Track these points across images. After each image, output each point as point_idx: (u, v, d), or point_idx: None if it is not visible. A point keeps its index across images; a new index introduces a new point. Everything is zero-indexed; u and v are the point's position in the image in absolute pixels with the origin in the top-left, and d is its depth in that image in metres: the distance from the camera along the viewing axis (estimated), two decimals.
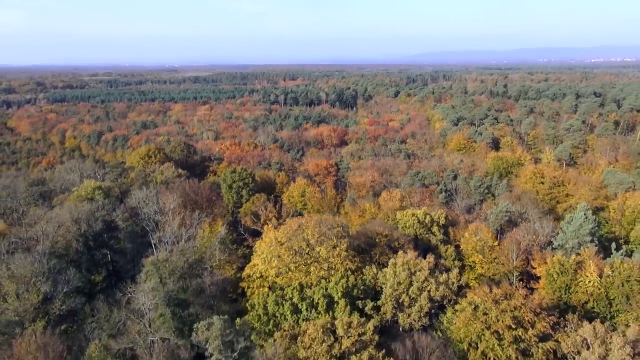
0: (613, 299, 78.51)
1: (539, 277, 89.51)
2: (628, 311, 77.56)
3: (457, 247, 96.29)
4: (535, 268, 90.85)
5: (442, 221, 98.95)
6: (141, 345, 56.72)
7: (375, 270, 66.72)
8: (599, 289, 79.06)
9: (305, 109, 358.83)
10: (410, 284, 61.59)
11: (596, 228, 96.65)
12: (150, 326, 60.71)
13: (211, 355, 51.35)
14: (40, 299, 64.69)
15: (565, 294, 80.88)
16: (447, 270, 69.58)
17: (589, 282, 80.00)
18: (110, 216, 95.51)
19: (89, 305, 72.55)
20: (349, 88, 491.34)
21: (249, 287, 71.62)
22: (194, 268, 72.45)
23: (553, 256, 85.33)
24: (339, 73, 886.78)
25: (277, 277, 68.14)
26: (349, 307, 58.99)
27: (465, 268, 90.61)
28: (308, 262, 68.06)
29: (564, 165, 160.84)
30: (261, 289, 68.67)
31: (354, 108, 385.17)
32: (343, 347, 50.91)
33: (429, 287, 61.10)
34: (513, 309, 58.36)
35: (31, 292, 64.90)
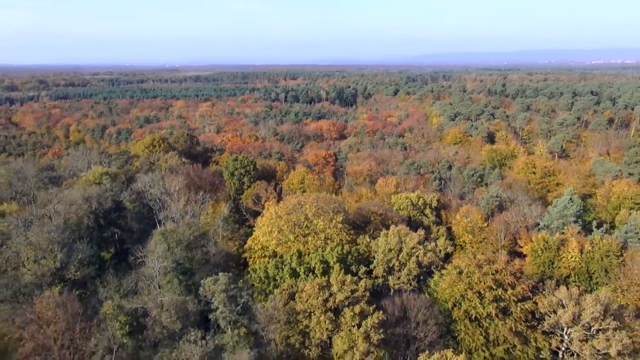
0: (593, 273, 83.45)
1: (525, 256, 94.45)
2: (607, 283, 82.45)
3: (449, 229, 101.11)
4: (522, 247, 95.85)
5: (434, 204, 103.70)
6: (152, 303, 61.48)
7: (368, 240, 71.67)
8: (580, 263, 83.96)
9: (306, 106, 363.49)
10: (400, 250, 66.45)
11: (581, 210, 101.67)
12: (159, 288, 65.57)
13: (217, 308, 56.14)
14: (56, 265, 69.56)
15: (548, 268, 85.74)
16: (435, 239, 74.46)
17: (571, 257, 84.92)
18: (118, 197, 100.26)
19: (99, 278, 77.50)
20: (349, 87, 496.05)
21: (250, 257, 76.39)
22: (198, 240, 77.20)
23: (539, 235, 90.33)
24: (340, 73, 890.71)
25: (277, 247, 72.95)
26: (343, 271, 63.77)
27: (456, 248, 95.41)
28: (306, 232, 72.89)
29: (556, 157, 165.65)
30: (262, 259, 73.45)
31: (354, 105, 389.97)
32: (337, 300, 55.73)
33: (418, 253, 65.97)
34: (494, 272, 63.20)
35: (48, 258, 69.80)
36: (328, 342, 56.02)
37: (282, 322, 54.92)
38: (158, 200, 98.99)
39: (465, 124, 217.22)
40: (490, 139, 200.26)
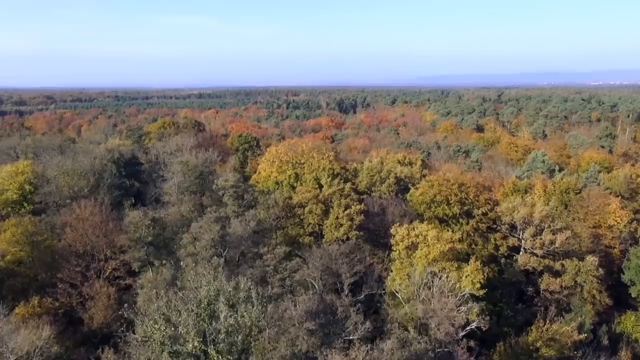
0: (556, 207, 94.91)
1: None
2: (567, 216, 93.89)
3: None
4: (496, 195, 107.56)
5: (419, 163, 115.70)
6: (172, 209, 73.16)
7: (355, 165, 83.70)
8: (544, 200, 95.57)
9: (306, 112, 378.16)
10: (382, 169, 78.34)
11: (550, 164, 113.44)
12: (177, 201, 77.41)
13: (226, 205, 67.79)
14: (89, 186, 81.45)
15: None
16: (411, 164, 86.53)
17: (537, 196, 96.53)
18: (136, 155, 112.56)
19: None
20: (349, 98, 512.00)
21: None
22: (208, 174, 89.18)
23: None
24: (341, 90, 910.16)
25: (278, 175, 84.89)
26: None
27: None
28: (302, 162, 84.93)
29: (538, 140, 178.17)
30: (264, 183, 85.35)
31: (354, 112, 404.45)
32: (326, 194, 67.53)
33: (396, 169, 77.90)
34: (461, 184, 74.97)
35: (82, 181, 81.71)
36: (319, 232, 67.62)
37: (280, 209, 66.47)
38: (170, 156, 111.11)
39: (457, 118, 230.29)
40: (479, 130, 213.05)
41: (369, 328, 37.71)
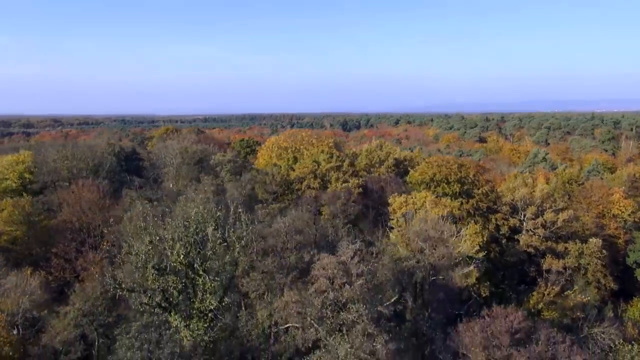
0: (559, 198, 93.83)
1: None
2: (570, 206, 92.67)
3: None
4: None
5: (418, 148, 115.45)
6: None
7: (354, 149, 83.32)
8: (546, 191, 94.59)
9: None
10: (381, 150, 77.91)
11: (551, 162, 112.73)
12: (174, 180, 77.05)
13: (222, 180, 67.41)
14: (88, 170, 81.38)
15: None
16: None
17: (540, 188, 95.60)
18: (137, 150, 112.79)
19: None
20: (353, 120, 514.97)
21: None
22: (205, 163, 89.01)
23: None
24: (345, 115, 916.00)
25: (278, 160, 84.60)
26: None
27: None
28: (301, 147, 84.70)
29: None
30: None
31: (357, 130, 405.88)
32: (324, 169, 66.99)
33: (395, 152, 77.44)
34: (460, 165, 74.31)
35: (81, 163, 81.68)
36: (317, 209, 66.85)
37: (277, 185, 65.92)
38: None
39: (459, 131, 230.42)
40: (482, 141, 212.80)
41: (360, 247, 36.70)
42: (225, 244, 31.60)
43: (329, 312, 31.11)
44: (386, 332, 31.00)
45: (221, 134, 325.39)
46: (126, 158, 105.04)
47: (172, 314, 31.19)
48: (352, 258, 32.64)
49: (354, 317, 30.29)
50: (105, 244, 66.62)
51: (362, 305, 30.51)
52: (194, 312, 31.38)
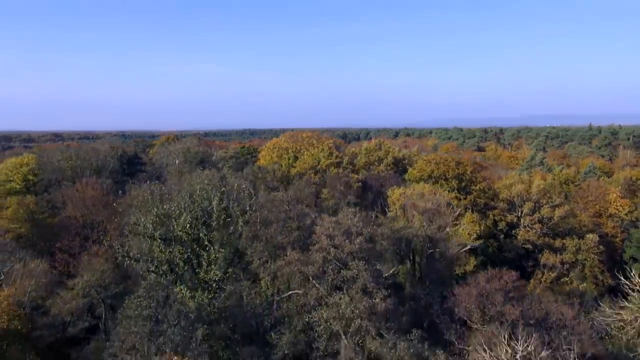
0: (555, 194, 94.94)
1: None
2: (566, 204, 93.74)
3: None
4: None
5: (416, 147, 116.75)
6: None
7: (354, 149, 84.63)
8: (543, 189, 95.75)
9: None
10: (380, 149, 79.28)
11: (548, 165, 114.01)
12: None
13: (225, 175, 68.52)
14: (93, 166, 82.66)
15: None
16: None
17: (536, 184, 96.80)
18: (139, 155, 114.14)
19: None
20: (352, 133, 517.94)
21: None
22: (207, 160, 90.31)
23: None
24: (346, 129, 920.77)
25: (279, 159, 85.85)
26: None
27: None
28: (302, 148, 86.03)
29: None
30: None
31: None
32: (324, 165, 68.24)
33: (394, 151, 78.79)
34: (458, 162, 75.60)
35: (84, 163, 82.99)
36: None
37: (278, 181, 67.11)
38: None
39: (458, 141, 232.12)
40: (480, 150, 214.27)
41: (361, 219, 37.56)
42: (229, 219, 32.67)
43: (330, 270, 32.20)
44: (385, 288, 32.01)
45: (222, 144, 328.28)
46: (128, 161, 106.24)
47: (177, 284, 32.18)
48: (351, 220, 33.79)
49: (354, 273, 31.39)
50: (108, 238, 67.71)
51: (362, 262, 31.65)
52: (199, 283, 32.39)
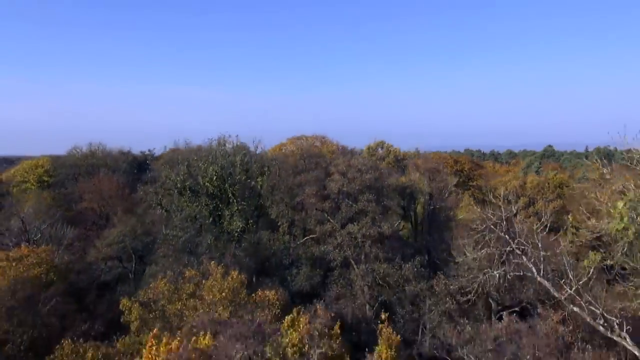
0: (549, 191, 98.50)
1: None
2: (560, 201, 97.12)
3: None
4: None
5: (416, 156, 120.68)
6: None
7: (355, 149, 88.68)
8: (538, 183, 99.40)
9: None
10: (382, 147, 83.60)
11: (544, 173, 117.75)
12: None
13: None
14: (108, 165, 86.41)
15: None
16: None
17: (530, 180, 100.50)
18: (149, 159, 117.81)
19: None
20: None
21: None
22: None
23: None
24: None
25: None
26: None
27: None
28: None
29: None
30: None
31: None
32: None
33: (395, 150, 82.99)
34: (456, 160, 79.53)
35: (99, 161, 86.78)
36: None
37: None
38: None
39: None
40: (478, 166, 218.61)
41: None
42: (249, 179, 36.37)
43: (343, 206, 35.80)
44: (390, 217, 35.51)
45: None
46: (139, 165, 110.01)
47: (202, 234, 35.66)
48: (361, 161, 37.54)
49: (364, 205, 34.97)
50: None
51: (371, 195, 35.24)
52: (222, 233, 35.86)
